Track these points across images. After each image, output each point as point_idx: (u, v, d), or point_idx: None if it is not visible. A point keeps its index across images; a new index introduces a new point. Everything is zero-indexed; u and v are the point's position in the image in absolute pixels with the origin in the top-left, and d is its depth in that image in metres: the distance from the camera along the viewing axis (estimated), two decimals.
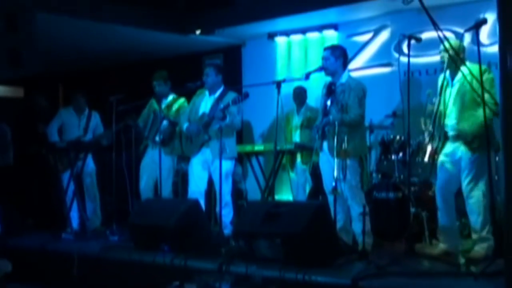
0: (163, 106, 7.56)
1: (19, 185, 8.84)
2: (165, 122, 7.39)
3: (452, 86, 5.73)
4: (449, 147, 5.75)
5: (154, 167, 7.47)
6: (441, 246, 5.86)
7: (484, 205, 5.56)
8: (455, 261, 5.47)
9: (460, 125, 5.64)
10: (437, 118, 5.79)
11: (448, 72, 5.80)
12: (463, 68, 5.51)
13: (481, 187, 5.55)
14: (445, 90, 5.79)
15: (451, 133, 5.74)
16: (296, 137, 8.27)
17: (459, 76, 5.63)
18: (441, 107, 5.78)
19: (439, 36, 4.75)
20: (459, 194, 5.88)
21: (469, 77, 5.39)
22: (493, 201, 5.47)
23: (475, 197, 5.59)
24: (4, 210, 8.00)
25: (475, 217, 5.62)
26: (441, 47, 5.65)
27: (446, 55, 5.67)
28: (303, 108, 8.35)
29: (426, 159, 6.13)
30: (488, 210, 5.55)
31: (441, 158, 5.76)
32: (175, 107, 7.59)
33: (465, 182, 5.65)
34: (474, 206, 5.61)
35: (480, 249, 5.57)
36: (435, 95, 5.89)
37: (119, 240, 7.13)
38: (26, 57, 6.00)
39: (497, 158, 5.95)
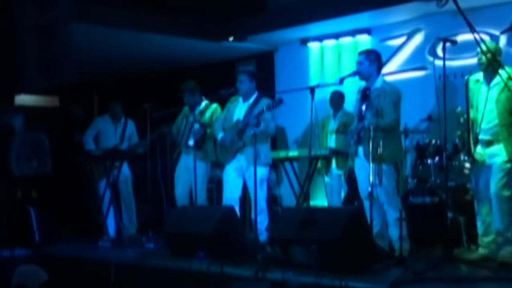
0: (196, 112, 7.58)
1: (57, 193, 8.94)
2: (196, 125, 7.42)
3: (489, 89, 5.66)
4: (482, 150, 5.67)
5: (188, 174, 7.48)
6: (481, 251, 5.79)
7: (509, 208, 5.50)
8: (493, 266, 5.39)
9: (497, 130, 5.57)
10: (470, 121, 5.73)
11: (482, 75, 5.72)
12: (501, 71, 5.44)
13: (511, 191, 5.51)
14: (479, 93, 5.72)
15: (485, 137, 5.66)
16: (331, 142, 8.23)
17: (497, 79, 5.55)
18: (473, 111, 5.71)
19: (475, 39, 4.68)
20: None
21: (509, 82, 5.31)
22: None
23: (503, 200, 5.52)
24: (41, 218, 8.09)
25: (500, 219, 5.53)
26: (478, 49, 5.58)
27: (483, 57, 5.59)
28: (339, 113, 8.31)
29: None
30: None
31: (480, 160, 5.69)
32: (208, 113, 7.61)
33: (495, 186, 5.57)
34: (499, 208, 5.53)
35: (506, 253, 5.49)
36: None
37: (155, 247, 7.16)
38: (62, 67, 6.07)
39: None
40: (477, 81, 5.78)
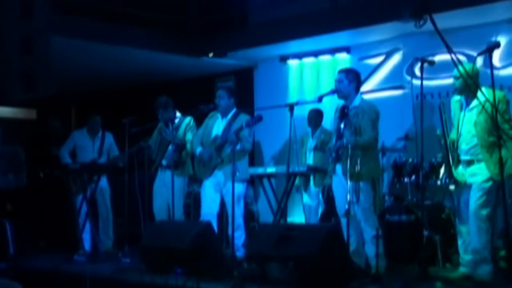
0: (170, 130, 7.53)
1: (32, 206, 8.87)
2: (170, 148, 7.38)
3: (469, 110, 5.73)
4: (464, 170, 5.73)
5: (165, 189, 7.47)
6: (462, 270, 5.83)
7: (487, 227, 5.55)
8: (469, 285, 5.43)
9: (477, 150, 5.63)
10: (451, 142, 5.79)
11: (463, 96, 5.79)
12: (479, 93, 5.51)
13: (488, 209, 5.56)
14: (459, 113, 5.79)
15: (466, 157, 5.73)
16: (310, 159, 8.26)
17: (475, 101, 5.63)
18: (455, 130, 5.78)
19: (452, 60, 4.77)
20: None
21: (486, 103, 5.38)
22: (507, 226, 5.45)
23: (479, 219, 5.56)
24: (16, 232, 8.02)
25: (478, 237, 5.58)
26: (455, 71, 5.65)
27: (457, 82, 5.68)
28: (318, 131, 8.34)
29: (439, 182, 6.10)
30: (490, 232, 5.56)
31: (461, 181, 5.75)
32: (182, 127, 7.59)
33: (475, 205, 5.61)
34: (475, 225, 5.58)
35: (483, 272, 5.54)
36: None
37: (131, 262, 7.12)
38: (40, 79, 6.06)
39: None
40: (457, 101, 5.85)
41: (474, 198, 5.62)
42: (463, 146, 5.73)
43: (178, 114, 7.69)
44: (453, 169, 5.76)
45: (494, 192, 5.56)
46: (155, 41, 9.25)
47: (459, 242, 5.89)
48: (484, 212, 5.57)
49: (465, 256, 5.81)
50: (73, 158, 8.50)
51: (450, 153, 5.78)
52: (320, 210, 8.11)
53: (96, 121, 8.54)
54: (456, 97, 5.89)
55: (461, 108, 5.80)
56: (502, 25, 7.54)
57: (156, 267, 6.33)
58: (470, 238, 5.72)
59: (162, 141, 7.62)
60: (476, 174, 5.65)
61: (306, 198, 8.28)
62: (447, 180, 5.95)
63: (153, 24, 9.24)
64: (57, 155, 8.54)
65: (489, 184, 5.57)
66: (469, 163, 5.70)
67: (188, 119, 7.65)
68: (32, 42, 6.12)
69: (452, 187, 5.81)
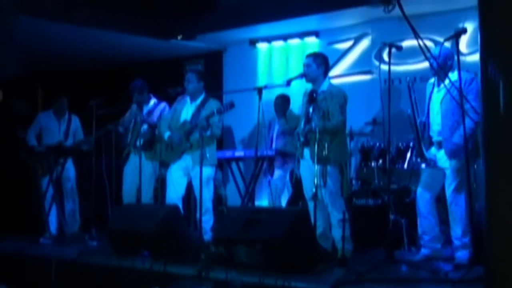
0: (145, 112, 7.53)
1: None
2: (144, 126, 7.37)
3: (438, 91, 5.78)
4: (434, 152, 5.79)
5: (136, 173, 7.39)
6: (423, 251, 5.90)
7: (466, 213, 5.60)
8: (434, 268, 5.50)
9: (445, 133, 5.68)
10: (422, 123, 5.83)
11: (436, 78, 5.83)
12: (450, 75, 5.56)
13: (464, 194, 5.59)
14: (432, 95, 5.84)
15: (436, 139, 5.78)
16: (278, 143, 8.27)
17: (445, 83, 5.67)
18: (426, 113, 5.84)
19: (419, 45, 4.78)
20: (438, 201, 5.92)
21: (456, 84, 5.43)
22: (472, 209, 5.52)
23: (459, 205, 5.62)
24: None
25: (458, 224, 5.65)
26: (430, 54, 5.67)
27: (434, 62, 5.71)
28: (286, 115, 8.36)
29: (405, 166, 6.15)
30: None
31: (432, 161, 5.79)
32: (157, 112, 7.55)
33: (449, 190, 5.68)
34: (457, 213, 5.64)
35: (463, 255, 5.61)
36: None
37: (98, 245, 7.10)
38: (5, 60, 5.96)
39: (475, 166, 6.00)
40: (431, 84, 5.90)
41: (448, 182, 5.68)
42: (434, 127, 5.78)
43: (153, 99, 7.65)
44: (424, 150, 5.79)
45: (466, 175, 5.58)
46: (123, 23, 9.15)
47: (419, 222, 5.96)
48: (459, 196, 5.62)
49: (425, 236, 5.89)
50: (39, 141, 8.40)
51: (420, 132, 5.81)
52: (287, 194, 8.15)
53: (63, 103, 8.45)
54: (431, 80, 5.94)
55: (433, 91, 5.85)
56: (470, 11, 7.57)
57: (123, 250, 6.31)
58: (432, 218, 5.79)
59: (135, 123, 7.57)
60: (445, 158, 5.69)
61: (273, 182, 8.31)
62: (418, 159, 5.99)
63: (121, 5, 9.13)
64: (23, 137, 8.43)
65: (459, 167, 5.60)
66: (440, 144, 5.74)
67: (163, 105, 7.61)
68: None
69: (423, 166, 5.84)
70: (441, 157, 5.74)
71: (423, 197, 5.86)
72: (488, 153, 3.77)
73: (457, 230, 5.67)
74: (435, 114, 5.77)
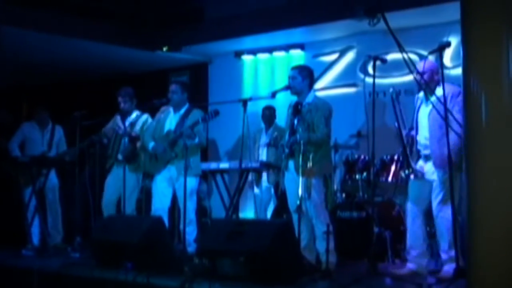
0: (127, 123, 7.50)
1: None
2: (125, 140, 7.34)
3: (426, 106, 5.80)
4: (421, 165, 5.80)
5: (119, 184, 7.36)
6: (409, 265, 5.90)
7: (449, 226, 5.60)
8: (418, 281, 5.50)
9: (433, 145, 5.70)
10: (410, 137, 5.85)
11: (423, 92, 5.86)
12: (438, 89, 5.58)
13: (450, 207, 5.58)
14: (420, 109, 5.87)
15: (424, 152, 5.80)
16: (263, 155, 8.28)
17: (433, 97, 5.69)
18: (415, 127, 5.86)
19: (404, 59, 4.81)
20: (427, 215, 5.92)
21: (442, 99, 5.45)
22: (455, 222, 5.53)
23: (445, 217, 5.62)
24: None
25: (445, 237, 5.66)
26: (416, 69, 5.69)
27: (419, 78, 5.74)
28: (271, 127, 8.38)
29: (390, 179, 6.15)
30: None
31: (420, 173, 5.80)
32: (139, 124, 7.52)
33: (435, 202, 5.69)
34: (443, 226, 5.65)
35: (449, 269, 5.61)
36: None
37: (80, 257, 7.04)
38: None
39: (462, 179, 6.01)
40: (419, 98, 5.92)
41: (434, 195, 5.69)
42: (422, 140, 5.80)
43: (136, 111, 7.62)
44: (411, 163, 5.80)
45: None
46: (108, 34, 9.15)
47: (408, 235, 5.96)
48: (445, 208, 5.63)
49: (412, 251, 5.89)
50: (22, 151, 8.35)
51: (407, 145, 5.83)
52: (272, 206, 8.14)
53: (44, 114, 8.42)
54: (420, 94, 5.96)
55: (421, 104, 5.88)
56: (454, 25, 7.52)
57: (106, 262, 6.26)
58: (420, 232, 5.79)
59: (117, 136, 7.54)
60: (432, 171, 5.70)
61: (258, 194, 8.30)
62: (406, 171, 5.99)
63: (107, 17, 9.13)
64: (6, 148, 8.38)
65: (446, 180, 5.61)
66: (428, 157, 5.76)
67: (146, 117, 7.58)
68: None
69: (412, 177, 5.85)
70: (428, 169, 5.76)
71: (412, 211, 5.87)
72: (470, 165, 3.79)
73: (443, 243, 5.68)
74: (423, 128, 5.79)
